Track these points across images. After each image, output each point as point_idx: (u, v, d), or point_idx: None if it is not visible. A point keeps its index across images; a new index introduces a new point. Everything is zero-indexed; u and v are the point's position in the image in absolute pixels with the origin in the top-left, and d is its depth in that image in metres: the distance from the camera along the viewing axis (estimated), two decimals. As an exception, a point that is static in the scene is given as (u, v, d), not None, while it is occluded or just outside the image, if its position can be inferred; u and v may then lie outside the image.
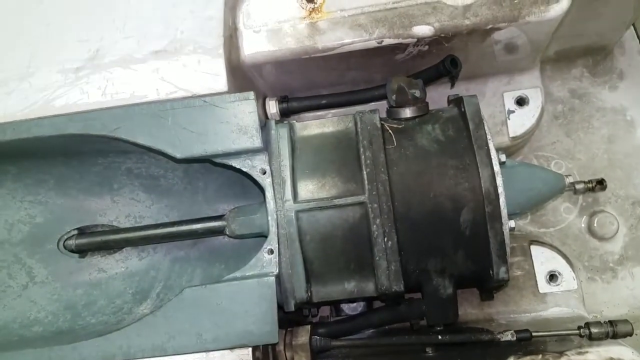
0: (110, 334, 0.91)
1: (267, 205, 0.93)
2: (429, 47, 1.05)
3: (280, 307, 0.92)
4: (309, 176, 0.95)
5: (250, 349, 0.89)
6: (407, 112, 1.02)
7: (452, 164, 0.93)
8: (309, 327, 1.00)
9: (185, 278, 1.09)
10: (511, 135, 1.16)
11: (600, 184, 1.14)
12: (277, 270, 0.91)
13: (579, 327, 0.95)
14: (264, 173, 0.94)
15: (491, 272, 0.93)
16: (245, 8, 1.05)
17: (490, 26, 1.00)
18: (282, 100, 1.08)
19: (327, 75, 1.09)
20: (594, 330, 0.94)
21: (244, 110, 0.93)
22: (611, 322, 0.95)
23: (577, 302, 1.17)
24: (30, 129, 0.97)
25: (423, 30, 1.00)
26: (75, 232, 1.10)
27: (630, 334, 0.94)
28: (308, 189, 0.94)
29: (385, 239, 0.91)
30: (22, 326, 1.04)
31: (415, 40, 1.02)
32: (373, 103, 1.13)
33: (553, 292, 1.17)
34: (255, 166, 0.94)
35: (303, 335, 0.98)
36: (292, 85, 1.16)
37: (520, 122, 1.17)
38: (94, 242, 1.07)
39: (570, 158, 1.34)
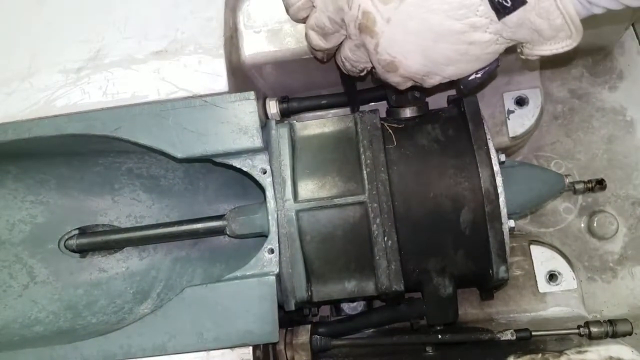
0: (111, 334, 0.91)
1: (268, 204, 0.93)
2: (428, 48, 1.05)
3: (280, 307, 0.92)
4: (309, 176, 0.95)
5: (250, 348, 0.89)
6: (407, 112, 1.02)
7: (452, 164, 0.93)
8: (309, 326, 1.01)
9: (186, 278, 1.09)
10: (511, 135, 1.16)
11: (600, 184, 1.15)
12: (278, 270, 0.91)
13: (579, 327, 0.95)
14: (265, 173, 0.94)
15: (491, 271, 0.93)
16: (245, 8, 1.05)
17: (489, 26, 1.00)
18: (282, 100, 1.08)
19: (327, 75, 1.09)
20: (593, 329, 0.95)
21: (245, 110, 0.93)
22: (611, 322, 0.95)
23: (577, 302, 1.17)
24: (31, 129, 0.97)
25: (423, 30, 1.00)
26: (76, 232, 1.10)
27: (630, 333, 0.95)
28: (308, 189, 0.94)
29: (385, 239, 0.91)
30: (23, 326, 1.04)
31: (415, 40, 1.02)
32: (373, 103, 1.13)
33: (553, 291, 1.17)
34: (255, 166, 0.94)
35: (303, 335, 0.98)
36: (292, 86, 1.16)
37: (520, 122, 1.17)
38: (94, 242, 1.07)
39: (570, 158, 1.34)
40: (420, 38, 0.70)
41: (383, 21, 0.70)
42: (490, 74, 0.78)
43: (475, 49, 0.70)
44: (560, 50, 0.70)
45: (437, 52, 0.71)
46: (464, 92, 0.85)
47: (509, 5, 0.64)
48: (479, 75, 0.77)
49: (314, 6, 0.83)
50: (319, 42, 0.87)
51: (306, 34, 0.91)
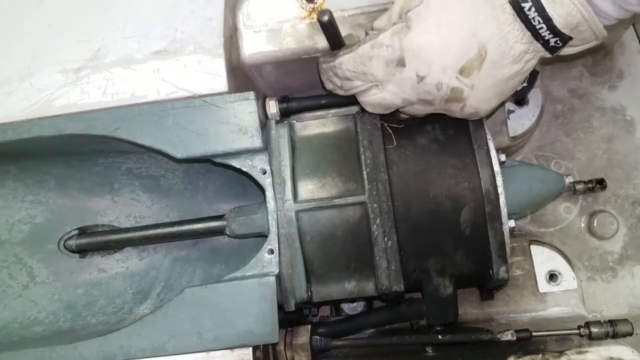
0: (110, 334, 0.91)
1: (267, 205, 0.93)
2: (428, 47, 1.05)
3: (280, 307, 0.92)
4: (309, 176, 0.95)
5: (250, 348, 0.89)
6: (407, 112, 1.02)
7: (452, 164, 0.93)
8: (309, 326, 1.00)
9: (186, 278, 1.09)
10: (511, 135, 1.16)
11: (600, 183, 1.15)
12: (278, 270, 0.91)
13: (579, 327, 0.95)
14: (264, 173, 0.94)
15: (491, 271, 0.93)
16: (245, 8, 1.05)
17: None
18: (282, 100, 1.08)
19: (327, 75, 1.09)
20: (593, 329, 0.94)
21: (244, 110, 0.93)
22: (611, 322, 0.95)
23: (577, 302, 1.17)
24: (31, 129, 0.97)
25: (423, 30, 1.00)
26: (76, 232, 1.10)
27: (630, 334, 0.94)
28: (308, 189, 0.94)
29: (385, 239, 0.91)
30: (22, 326, 1.04)
31: (415, 40, 1.02)
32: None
33: (553, 291, 1.17)
34: (255, 166, 0.94)
35: (303, 335, 0.98)
36: (292, 85, 1.16)
37: (520, 121, 1.17)
38: (94, 242, 1.07)
39: (570, 158, 1.34)
40: (497, 87, 0.85)
41: (468, 89, 0.85)
42: (533, 77, 0.90)
43: (527, 71, 0.86)
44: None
45: (507, 90, 0.87)
46: (518, 99, 1.02)
47: (560, 45, 0.81)
48: (526, 84, 0.89)
49: (376, 85, 0.90)
50: (379, 111, 0.95)
51: (364, 103, 0.94)
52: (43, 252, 1.09)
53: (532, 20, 0.77)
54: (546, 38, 0.79)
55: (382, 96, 0.90)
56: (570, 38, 0.80)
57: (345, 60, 0.89)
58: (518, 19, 0.79)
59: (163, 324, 0.90)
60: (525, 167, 1.05)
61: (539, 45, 0.81)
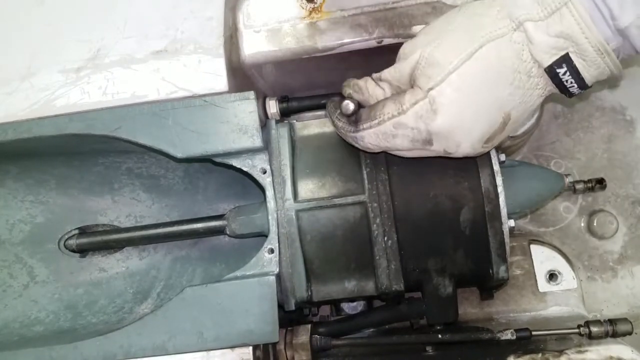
0: (111, 333, 0.91)
1: (268, 204, 0.93)
2: (428, 47, 1.05)
3: (280, 306, 0.92)
4: (309, 176, 0.95)
5: (250, 347, 0.89)
6: (407, 112, 1.02)
7: (452, 164, 0.93)
8: (309, 326, 1.00)
9: (186, 277, 1.09)
10: (511, 134, 1.16)
11: (600, 183, 1.14)
12: (278, 270, 0.91)
13: (579, 326, 0.95)
14: (264, 172, 0.94)
15: (491, 271, 0.93)
16: (245, 8, 1.05)
17: (489, 26, 1.00)
18: (282, 100, 1.08)
19: (327, 75, 1.09)
20: (593, 329, 0.94)
21: (245, 110, 0.93)
22: (611, 321, 0.95)
23: (577, 301, 1.17)
24: (31, 128, 0.97)
25: (423, 30, 1.00)
26: (76, 231, 1.10)
27: (630, 333, 0.94)
28: (308, 189, 0.94)
29: (385, 238, 0.91)
30: (23, 326, 1.04)
31: (415, 40, 1.02)
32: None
33: (553, 291, 1.17)
34: (255, 165, 0.94)
35: (303, 334, 0.98)
36: (292, 85, 1.16)
37: (520, 121, 1.17)
38: (94, 241, 1.07)
39: (570, 157, 1.34)
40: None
41: (488, 149, 0.88)
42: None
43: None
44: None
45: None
46: None
47: (581, 93, 0.81)
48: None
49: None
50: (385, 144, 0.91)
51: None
52: (43, 251, 1.09)
53: (565, 82, 0.79)
54: (572, 91, 0.80)
55: (402, 153, 0.89)
56: (588, 86, 0.81)
57: (367, 136, 0.86)
58: (543, 78, 0.79)
59: (163, 324, 0.90)
60: (525, 167, 1.05)
61: (556, 90, 0.82)
